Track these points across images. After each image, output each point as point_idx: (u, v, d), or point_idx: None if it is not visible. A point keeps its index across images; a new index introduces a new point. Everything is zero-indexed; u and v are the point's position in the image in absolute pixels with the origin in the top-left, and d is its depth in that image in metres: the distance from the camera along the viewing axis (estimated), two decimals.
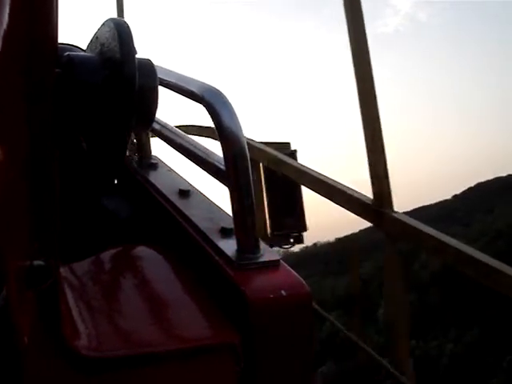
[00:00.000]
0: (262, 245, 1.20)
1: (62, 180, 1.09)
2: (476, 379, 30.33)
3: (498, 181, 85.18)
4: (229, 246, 1.19)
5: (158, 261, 1.29)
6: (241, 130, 1.15)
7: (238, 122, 1.16)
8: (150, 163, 1.76)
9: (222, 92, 1.20)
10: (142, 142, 1.80)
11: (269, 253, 1.17)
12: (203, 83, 1.24)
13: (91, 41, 1.23)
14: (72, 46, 1.50)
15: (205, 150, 1.37)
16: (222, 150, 1.16)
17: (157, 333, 1.03)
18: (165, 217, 1.43)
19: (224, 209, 1.38)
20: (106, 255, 1.30)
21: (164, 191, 1.51)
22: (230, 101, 1.15)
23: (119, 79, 1.09)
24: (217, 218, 1.33)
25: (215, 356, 1.01)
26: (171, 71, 1.40)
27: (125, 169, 1.75)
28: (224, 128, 1.14)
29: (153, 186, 1.57)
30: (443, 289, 40.94)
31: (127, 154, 1.65)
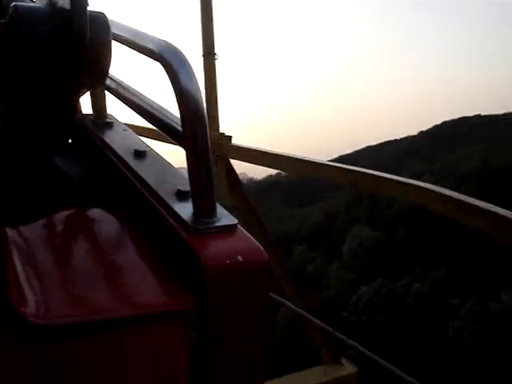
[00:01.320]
0: (220, 209, 1.13)
1: (9, 137, 1.04)
2: (439, 320, 31.12)
3: (464, 120, 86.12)
4: (185, 210, 1.12)
5: (112, 224, 1.23)
6: (199, 91, 1.10)
7: (197, 83, 1.10)
8: (105, 122, 1.66)
9: (181, 50, 1.14)
10: (97, 100, 1.68)
11: (226, 217, 1.11)
12: (162, 40, 1.18)
13: None
14: None
15: (162, 109, 1.31)
16: (180, 110, 1.10)
17: (109, 299, 0.98)
18: (119, 178, 1.37)
19: (181, 171, 1.32)
20: (58, 217, 1.22)
21: (119, 151, 1.43)
22: (189, 60, 1.13)
23: (69, 31, 1.07)
24: (173, 181, 1.26)
25: (169, 323, 0.96)
26: (127, 27, 1.31)
27: (78, 127, 1.65)
28: (182, 88, 1.08)
29: (107, 145, 1.49)
30: (409, 227, 41.53)
31: (81, 112, 1.64)
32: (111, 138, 1.53)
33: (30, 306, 0.91)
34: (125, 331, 0.94)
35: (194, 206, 1.12)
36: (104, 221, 1.25)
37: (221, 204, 1.14)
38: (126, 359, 0.95)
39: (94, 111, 1.68)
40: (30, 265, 1.02)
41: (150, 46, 1.18)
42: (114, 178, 1.40)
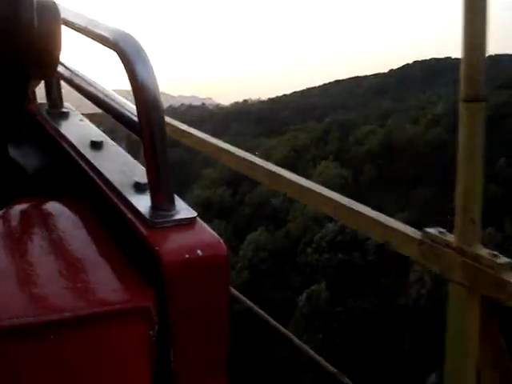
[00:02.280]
0: (178, 201, 1.11)
1: None
2: (402, 263, 31.49)
3: (435, 61, 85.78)
4: (142, 203, 1.11)
5: (69, 217, 1.21)
6: (155, 80, 1.07)
7: (153, 71, 1.08)
8: (61, 112, 1.63)
9: (136, 38, 1.12)
10: (52, 90, 1.64)
11: (185, 210, 1.10)
12: (116, 28, 1.15)
13: None
14: None
15: (117, 99, 1.27)
16: (135, 100, 1.08)
17: (66, 297, 0.96)
18: (76, 170, 1.33)
19: (139, 162, 1.31)
20: (12, 211, 1.20)
21: (75, 142, 1.40)
22: (144, 48, 1.10)
23: (14, 17, 1.02)
24: (130, 172, 1.24)
25: (128, 320, 0.95)
26: (82, 14, 1.30)
27: (33, 117, 1.62)
28: (137, 77, 1.06)
29: (63, 136, 1.46)
30: (379, 167, 41.52)
31: (37, 101, 1.62)
32: (67, 129, 1.49)
33: None
34: (82, 330, 0.91)
35: (152, 199, 1.09)
36: (61, 214, 1.21)
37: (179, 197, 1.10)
38: (84, 358, 0.92)
39: (48, 101, 1.63)
40: None
41: (105, 33, 1.15)
42: (70, 170, 1.37)
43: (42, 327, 0.89)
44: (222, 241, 1.04)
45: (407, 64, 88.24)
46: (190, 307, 1.01)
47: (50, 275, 1.00)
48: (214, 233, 1.06)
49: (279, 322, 3.20)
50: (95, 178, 1.25)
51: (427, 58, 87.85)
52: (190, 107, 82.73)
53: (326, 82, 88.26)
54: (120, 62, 1.09)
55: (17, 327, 0.88)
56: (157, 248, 0.99)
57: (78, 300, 0.95)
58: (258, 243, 35.47)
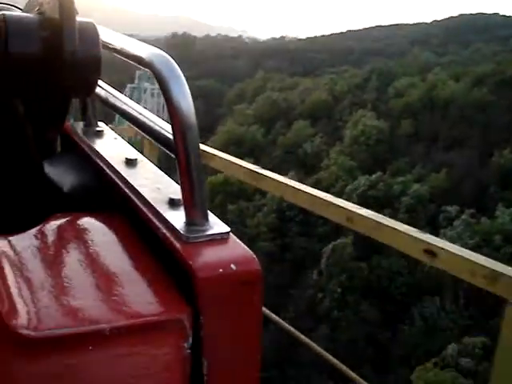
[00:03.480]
0: (212, 216, 1.15)
1: None
2: (432, 226, 31.01)
3: (480, 17, 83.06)
4: (177, 218, 1.14)
5: (105, 231, 1.23)
6: (190, 99, 1.11)
7: (187, 91, 1.12)
8: (96, 131, 1.65)
9: (172, 58, 1.15)
10: (87, 109, 1.65)
11: (218, 225, 1.12)
12: (152, 48, 1.19)
13: (29, 0, 1.29)
14: (8, 4, 1.51)
15: (152, 117, 1.32)
16: (171, 119, 1.11)
17: (103, 309, 0.98)
18: (110, 187, 1.37)
19: (171, 179, 1.34)
20: (48, 226, 1.22)
21: (110, 160, 1.45)
22: (179, 68, 1.14)
23: (58, 42, 1.10)
24: (165, 189, 1.27)
25: (162, 332, 0.99)
26: (116, 33, 1.35)
27: (68, 137, 1.65)
28: (173, 97, 1.10)
29: (98, 154, 1.50)
30: (417, 122, 40.52)
31: (71, 121, 1.66)
32: (101, 147, 1.54)
33: (22, 318, 0.92)
34: (119, 341, 0.94)
35: (186, 215, 1.13)
36: (97, 228, 1.25)
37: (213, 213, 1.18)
38: (119, 370, 0.95)
39: (83, 119, 1.68)
40: (21, 275, 1.04)
41: (141, 53, 1.19)
42: (104, 186, 1.42)
43: (80, 338, 0.92)
44: (255, 256, 1.06)
45: (452, 16, 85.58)
46: (223, 322, 1.03)
47: (87, 288, 1.03)
48: (247, 248, 1.08)
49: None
50: (130, 194, 1.28)
51: (474, 13, 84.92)
52: (226, 39, 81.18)
53: (367, 26, 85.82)
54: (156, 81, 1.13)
55: (55, 338, 0.91)
56: (191, 262, 1.02)
57: (115, 312, 0.98)
58: None
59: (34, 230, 1.19)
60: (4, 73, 1.12)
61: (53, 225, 1.23)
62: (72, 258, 1.14)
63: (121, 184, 1.33)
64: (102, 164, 1.45)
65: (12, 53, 1.12)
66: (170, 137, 1.14)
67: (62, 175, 1.52)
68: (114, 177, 1.37)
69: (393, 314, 29.00)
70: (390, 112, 42.19)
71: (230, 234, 1.11)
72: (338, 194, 33.66)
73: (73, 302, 0.98)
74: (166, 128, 1.21)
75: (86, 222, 1.27)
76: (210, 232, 1.10)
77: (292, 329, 3.19)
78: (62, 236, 1.24)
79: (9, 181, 1.41)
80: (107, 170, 1.41)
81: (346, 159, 36.98)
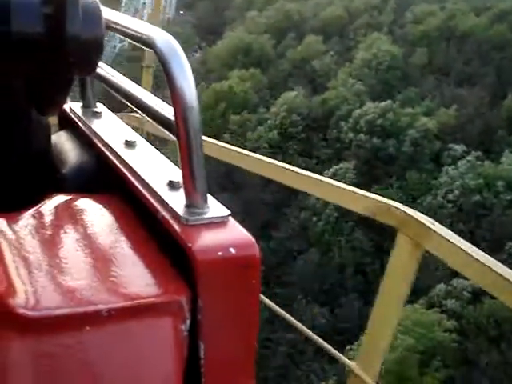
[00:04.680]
0: (211, 199, 1.14)
1: None
2: (436, 163, 30.52)
3: None
4: (176, 201, 1.14)
5: (104, 212, 1.23)
6: (191, 81, 1.10)
7: (189, 72, 1.11)
8: (94, 112, 1.63)
9: (174, 39, 1.15)
10: (86, 90, 1.63)
11: (218, 208, 1.12)
12: (154, 28, 1.18)
13: None
14: None
15: (153, 98, 1.30)
16: (172, 99, 1.11)
17: (100, 290, 0.98)
18: (110, 168, 1.37)
19: (171, 161, 1.34)
20: (47, 206, 1.22)
21: (109, 141, 1.43)
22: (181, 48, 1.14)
23: (61, 19, 1.10)
24: (164, 171, 1.27)
25: (161, 313, 1.00)
26: (119, 14, 1.34)
27: (67, 117, 1.64)
28: (174, 78, 1.09)
29: (97, 135, 1.48)
30: (433, 49, 39.27)
31: (69, 102, 1.64)
32: (100, 128, 1.53)
33: (19, 298, 0.93)
34: (116, 322, 0.94)
35: (186, 197, 1.13)
36: (95, 209, 1.24)
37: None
38: (116, 351, 0.95)
39: (82, 100, 1.65)
40: (19, 255, 1.04)
41: (143, 33, 1.19)
42: (103, 168, 1.41)
43: (77, 318, 0.92)
44: (254, 240, 1.06)
45: None
46: (221, 305, 1.04)
47: (85, 268, 1.03)
48: (246, 232, 1.08)
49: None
50: (129, 175, 1.28)
51: None
52: None
53: None
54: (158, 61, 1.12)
55: (53, 318, 0.91)
56: (190, 245, 1.02)
57: (112, 293, 0.98)
58: (291, 105, 34.08)
59: (32, 210, 1.18)
60: (6, 51, 1.11)
61: (51, 205, 1.22)
62: (70, 239, 1.12)
63: (120, 166, 1.32)
64: (100, 145, 1.43)
65: (15, 31, 1.10)
66: (172, 118, 1.12)
67: (60, 156, 1.50)
68: (113, 158, 1.36)
69: (385, 247, 28.98)
70: (406, 38, 40.79)
71: (230, 217, 1.11)
72: (344, 118, 33.13)
73: (70, 283, 0.97)
74: (166, 109, 1.18)
75: (84, 203, 1.26)
76: (210, 215, 1.09)
77: (282, 311, 3.25)
78: (60, 217, 1.22)
79: (7, 160, 1.40)
80: (106, 152, 1.39)
81: (355, 82, 35.95)
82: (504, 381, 21.93)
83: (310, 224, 29.64)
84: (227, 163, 4.10)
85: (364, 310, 25.53)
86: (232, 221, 1.11)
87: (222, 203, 1.15)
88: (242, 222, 1.11)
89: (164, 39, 1.13)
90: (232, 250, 1.01)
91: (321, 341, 3.08)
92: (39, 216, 1.19)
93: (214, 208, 1.12)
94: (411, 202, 29.15)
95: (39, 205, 1.21)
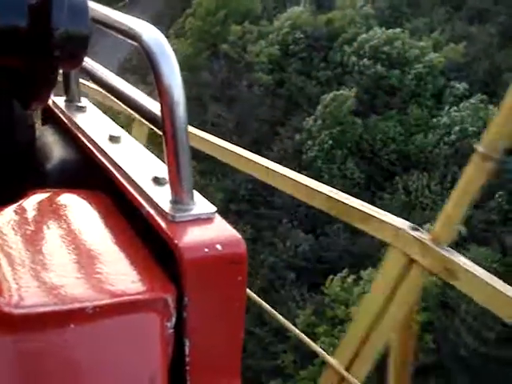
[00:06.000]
0: (198, 196, 1.13)
1: None
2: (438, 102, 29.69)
3: None
4: (161, 197, 1.12)
5: (88, 208, 1.21)
6: (179, 76, 1.09)
7: (177, 67, 1.09)
8: (79, 106, 1.62)
9: (161, 34, 1.13)
10: (70, 84, 1.61)
11: (204, 205, 1.11)
12: (140, 21, 1.16)
13: None
14: None
15: (139, 94, 1.29)
16: (159, 95, 1.09)
17: (85, 287, 0.97)
18: (93, 164, 1.35)
19: (156, 157, 1.32)
20: (29, 202, 1.20)
21: (93, 136, 1.42)
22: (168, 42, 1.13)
23: (46, 12, 1.08)
24: (149, 167, 1.26)
25: (146, 311, 0.99)
26: (105, 8, 1.32)
27: (50, 111, 1.62)
28: (162, 73, 1.07)
29: (81, 130, 1.47)
30: None
31: (52, 96, 1.59)
32: (84, 122, 1.51)
33: (3, 295, 0.92)
34: (101, 319, 0.94)
35: (172, 193, 1.11)
36: (79, 205, 1.22)
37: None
38: (102, 348, 0.95)
39: (66, 94, 1.63)
40: (2, 252, 1.02)
41: (130, 27, 1.17)
42: (87, 163, 1.38)
43: (62, 316, 0.91)
44: (240, 237, 1.05)
45: None
46: (207, 302, 1.02)
47: (69, 265, 1.01)
48: (232, 229, 1.07)
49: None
50: (114, 171, 1.25)
51: None
52: None
53: None
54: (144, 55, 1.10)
55: (37, 315, 0.90)
56: (176, 241, 1.01)
57: (98, 290, 0.97)
58: (296, 21, 32.46)
59: (14, 206, 1.15)
60: None
61: (34, 201, 1.20)
62: (53, 235, 1.11)
63: (104, 161, 1.29)
64: (84, 140, 1.40)
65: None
66: (158, 113, 1.10)
67: (44, 150, 1.48)
68: (97, 153, 1.33)
69: (376, 180, 28.47)
70: None
71: (216, 214, 1.09)
72: (349, 42, 31.78)
73: (55, 280, 0.96)
74: (153, 105, 1.17)
75: (68, 198, 1.24)
76: (196, 211, 1.08)
77: (273, 311, 3.24)
78: (43, 212, 1.21)
79: None
80: (90, 147, 1.36)
81: (365, 4, 34.36)
82: (482, 331, 22.07)
83: (304, 148, 28.85)
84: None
85: (348, 241, 25.38)
86: (218, 217, 1.08)
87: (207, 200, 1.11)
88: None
89: (151, 34, 1.09)
90: (219, 247, 1.00)
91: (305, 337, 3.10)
92: (22, 212, 1.15)
93: (201, 204, 1.09)
94: (409, 136, 28.58)
95: (22, 200, 1.17)
